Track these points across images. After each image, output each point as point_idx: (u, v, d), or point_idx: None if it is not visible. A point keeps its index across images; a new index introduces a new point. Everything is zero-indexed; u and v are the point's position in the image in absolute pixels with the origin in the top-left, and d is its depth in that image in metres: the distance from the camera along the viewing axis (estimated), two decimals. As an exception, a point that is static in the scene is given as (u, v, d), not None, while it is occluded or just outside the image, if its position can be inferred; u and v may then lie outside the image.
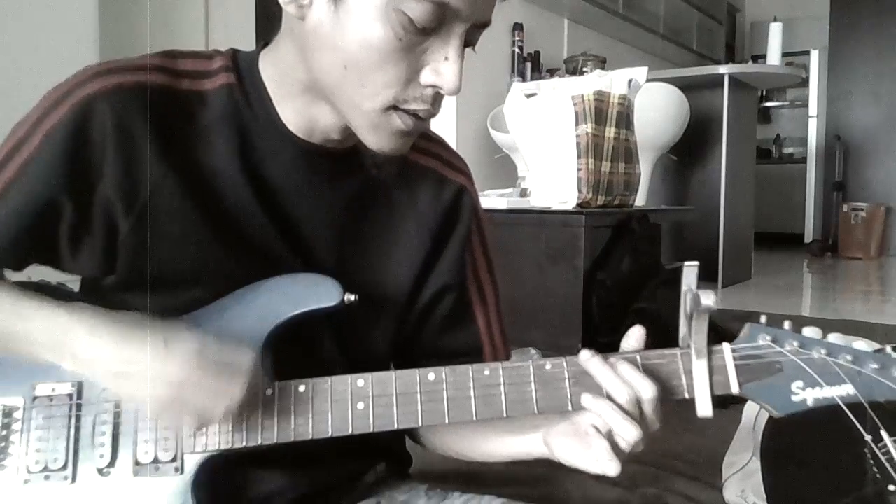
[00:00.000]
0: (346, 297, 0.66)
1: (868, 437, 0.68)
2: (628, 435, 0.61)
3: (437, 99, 0.62)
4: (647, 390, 0.61)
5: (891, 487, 1.04)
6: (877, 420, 0.63)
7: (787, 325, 0.64)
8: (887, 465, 0.97)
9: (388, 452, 0.83)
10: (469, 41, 0.61)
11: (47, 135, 0.62)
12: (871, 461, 1.03)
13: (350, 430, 0.63)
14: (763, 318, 0.65)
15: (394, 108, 0.61)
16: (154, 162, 0.64)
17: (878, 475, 1.05)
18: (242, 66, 0.69)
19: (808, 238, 6.69)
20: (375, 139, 0.64)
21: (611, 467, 0.62)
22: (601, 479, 1.42)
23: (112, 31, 2.52)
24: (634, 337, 0.66)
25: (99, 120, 0.62)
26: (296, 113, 0.68)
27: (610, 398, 0.62)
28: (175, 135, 0.65)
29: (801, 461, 1.20)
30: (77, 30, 2.32)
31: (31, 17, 2.22)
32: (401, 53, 0.58)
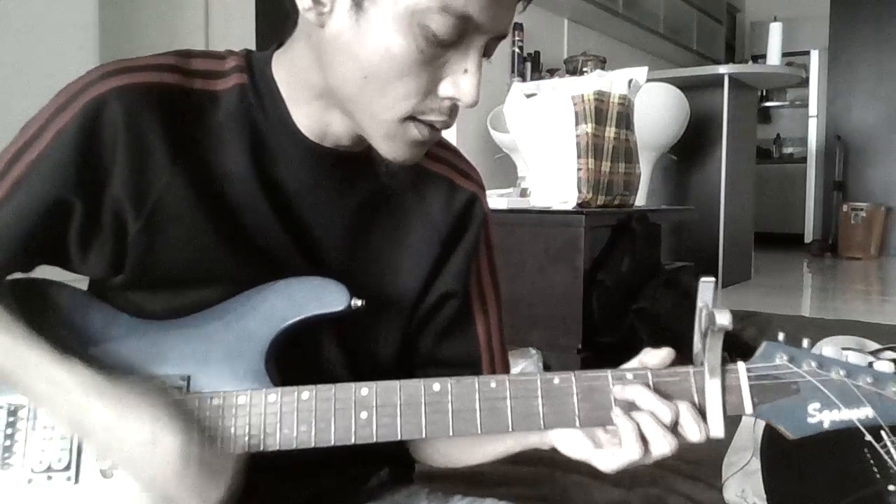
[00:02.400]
0: (353, 303, 0.66)
1: (869, 437, 0.68)
2: (664, 449, 0.60)
3: (453, 110, 0.62)
4: (666, 413, 0.60)
5: (891, 487, 1.04)
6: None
7: (805, 343, 0.62)
8: (889, 464, 0.97)
9: (392, 458, 0.82)
10: (486, 52, 0.61)
11: (58, 134, 0.62)
12: (872, 461, 1.04)
13: (353, 440, 0.62)
14: (781, 336, 0.63)
15: (411, 118, 0.61)
16: (165, 162, 0.63)
17: (878, 475, 1.05)
18: (255, 67, 0.69)
19: (808, 238, 6.69)
20: (390, 148, 0.64)
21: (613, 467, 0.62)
22: (601, 478, 1.43)
23: (112, 31, 2.52)
24: (659, 357, 0.64)
25: (110, 119, 0.62)
26: (308, 117, 0.68)
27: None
28: (186, 135, 0.65)
29: (801, 461, 1.20)
30: (77, 30, 2.32)
31: (32, 17, 2.22)
32: (421, 66, 0.58)
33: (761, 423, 1.27)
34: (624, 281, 2.45)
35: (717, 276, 4.01)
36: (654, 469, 1.50)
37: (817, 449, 1.13)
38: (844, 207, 6.07)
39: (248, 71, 0.68)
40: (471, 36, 0.59)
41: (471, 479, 1.39)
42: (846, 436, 0.62)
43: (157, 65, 0.65)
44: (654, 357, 0.64)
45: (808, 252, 6.32)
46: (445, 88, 0.60)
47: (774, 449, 1.24)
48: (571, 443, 0.65)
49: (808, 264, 5.73)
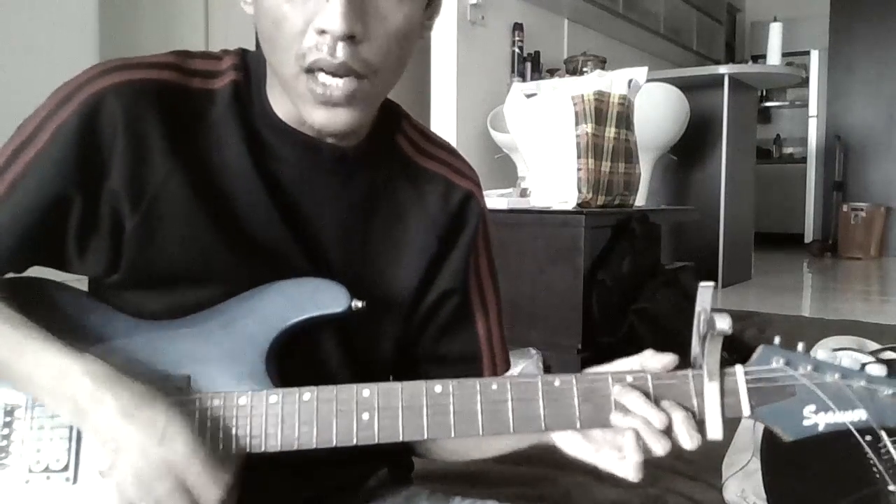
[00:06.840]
0: (353, 304, 0.66)
1: (868, 451, 0.68)
2: (661, 450, 0.61)
3: (333, 47, 0.59)
4: (657, 419, 0.61)
5: (891, 487, 1.04)
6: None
7: (800, 346, 0.63)
8: (890, 464, 0.97)
9: (391, 457, 0.82)
10: None
11: (57, 130, 0.62)
12: (872, 461, 1.03)
13: (355, 441, 0.62)
14: (777, 340, 0.64)
15: (305, 71, 0.60)
16: (162, 158, 0.64)
17: (878, 475, 1.05)
18: (251, 65, 0.70)
19: (808, 238, 6.69)
20: (309, 113, 0.63)
21: (636, 476, 0.62)
22: (601, 479, 1.43)
23: (112, 31, 2.52)
24: (662, 363, 0.64)
25: (109, 115, 0.62)
26: (284, 106, 0.68)
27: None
28: (184, 131, 0.65)
29: (801, 461, 1.20)
30: (77, 30, 2.32)
31: (32, 17, 2.22)
32: (287, 6, 0.59)
33: (761, 424, 1.27)
34: (624, 281, 2.45)
35: (717, 276, 4.02)
36: (654, 469, 1.49)
37: (817, 449, 1.13)
38: (844, 207, 6.07)
39: (243, 69, 0.69)
40: None
41: (471, 479, 1.39)
42: (845, 436, 0.62)
43: (155, 63, 0.66)
44: (657, 362, 0.64)
45: (808, 252, 6.32)
46: (315, 22, 0.59)
47: (774, 449, 1.24)
48: (571, 442, 0.65)
49: (808, 264, 5.73)
